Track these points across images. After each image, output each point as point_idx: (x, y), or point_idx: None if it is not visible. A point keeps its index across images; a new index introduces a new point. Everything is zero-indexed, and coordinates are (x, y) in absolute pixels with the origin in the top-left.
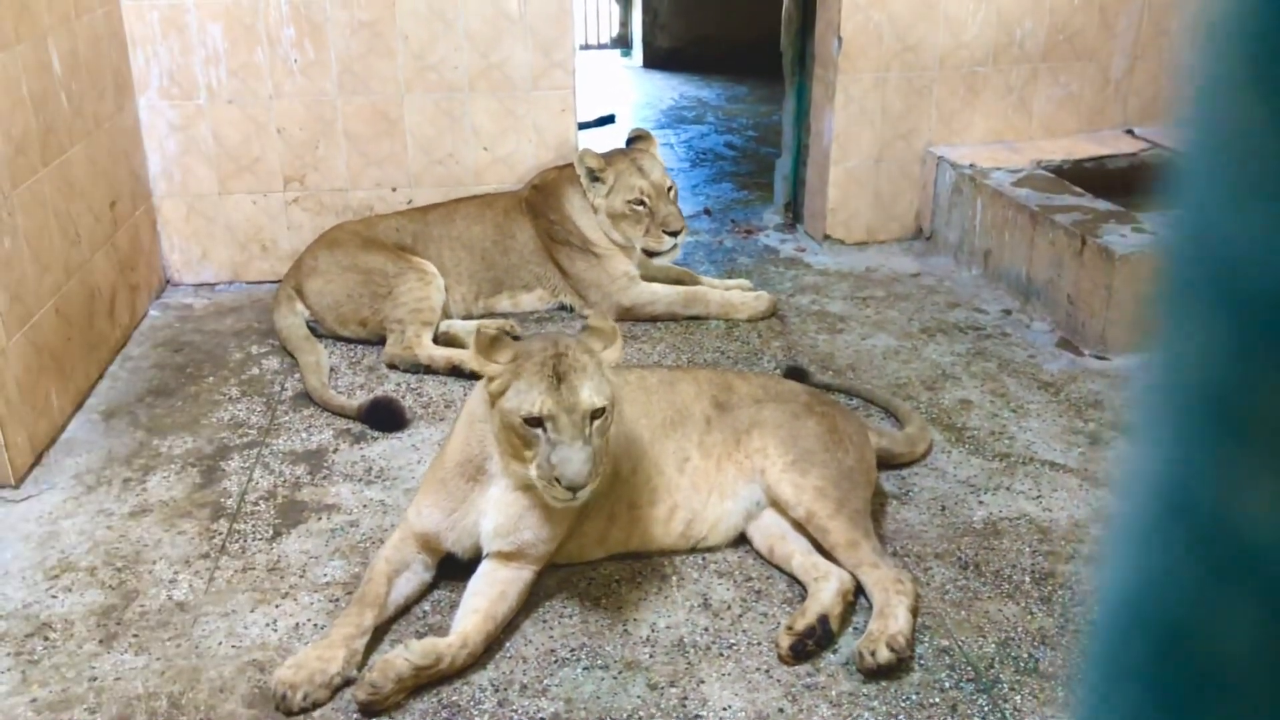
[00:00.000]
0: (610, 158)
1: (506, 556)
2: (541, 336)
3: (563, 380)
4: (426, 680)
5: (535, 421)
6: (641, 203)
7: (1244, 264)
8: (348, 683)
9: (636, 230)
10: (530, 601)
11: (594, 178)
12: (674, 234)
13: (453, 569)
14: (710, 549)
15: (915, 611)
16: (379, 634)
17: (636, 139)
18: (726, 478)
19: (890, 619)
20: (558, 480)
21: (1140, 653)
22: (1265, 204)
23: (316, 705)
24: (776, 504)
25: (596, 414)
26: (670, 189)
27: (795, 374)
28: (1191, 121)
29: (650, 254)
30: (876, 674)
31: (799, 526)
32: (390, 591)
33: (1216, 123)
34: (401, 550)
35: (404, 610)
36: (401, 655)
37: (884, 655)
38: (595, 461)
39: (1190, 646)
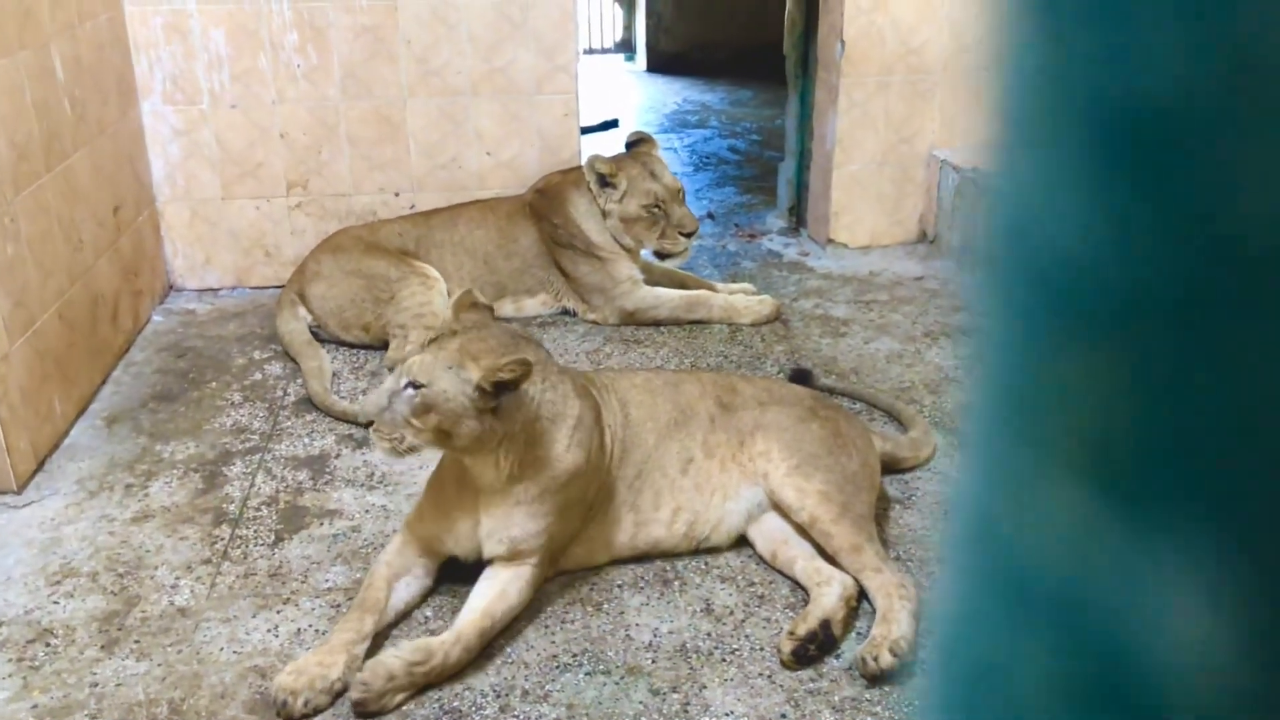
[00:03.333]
0: (619, 162)
1: (506, 558)
2: (500, 328)
3: (424, 349)
4: (423, 679)
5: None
6: (657, 206)
7: (1030, 227)
8: (348, 688)
9: (651, 234)
10: (532, 606)
11: (605, 183)
12: (689, 235)
13: (455, 574)
14: (713, 549)
15: (918, 616)
16: (380, 640)
17: (637, 142)
18: (730, 479)
19: (893, 624)
20: None
21: (953, 689)
22: (1041, 150)
23: (317, 711)
24: (779, 508)
25: (415, 385)
26: (680, 191)
27: (800, 378)
28: (987, 61)
29: (663, 256)
30: (879, 679)
31: (802, 531)
32: (390, 597)
33: (1002, 59)
34: (402, 555)
35: (405, 615)
36: (392, 653)
37: (887, 660)
38: (383, 418)
39: (991, 686)
